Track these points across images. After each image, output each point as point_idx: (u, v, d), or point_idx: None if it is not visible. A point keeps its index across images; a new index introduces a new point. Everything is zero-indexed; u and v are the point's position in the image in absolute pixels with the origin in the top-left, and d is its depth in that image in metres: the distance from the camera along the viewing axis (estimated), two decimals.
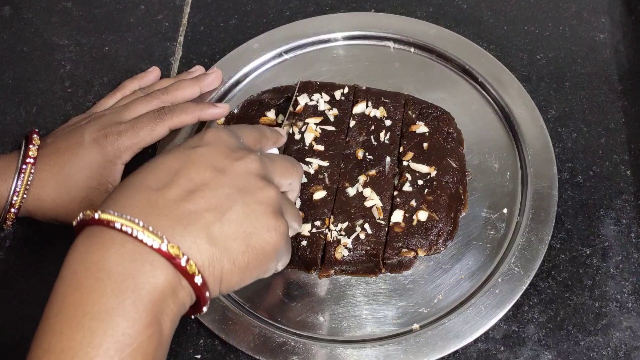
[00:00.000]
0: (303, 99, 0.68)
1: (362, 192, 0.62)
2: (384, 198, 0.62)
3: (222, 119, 0.69)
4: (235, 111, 0.69)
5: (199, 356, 0.58)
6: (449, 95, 0.69)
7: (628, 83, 0.71)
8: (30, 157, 0.60)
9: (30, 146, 0.61)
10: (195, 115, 0.65)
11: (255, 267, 0.46)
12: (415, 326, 0.57)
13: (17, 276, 0.62)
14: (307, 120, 0.66)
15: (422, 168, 0.63)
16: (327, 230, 0.60)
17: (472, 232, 0.62)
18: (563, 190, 0.64)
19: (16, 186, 0.59)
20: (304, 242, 0.60)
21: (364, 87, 0.69)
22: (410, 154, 0.64)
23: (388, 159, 0.64)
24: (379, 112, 0.66)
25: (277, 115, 0.67)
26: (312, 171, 0.63)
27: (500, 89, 0.69)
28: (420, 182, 0.62)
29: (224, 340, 0.57)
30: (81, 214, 0.43)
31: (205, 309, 0.45)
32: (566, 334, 0.58)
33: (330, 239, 0.60)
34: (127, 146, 0.62)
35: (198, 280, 0.42)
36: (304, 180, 0.63)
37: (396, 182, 0.63)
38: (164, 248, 0.41)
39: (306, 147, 0.65)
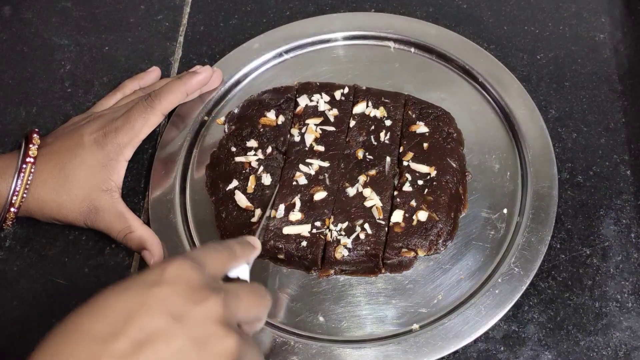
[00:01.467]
0: (303, 100, 0.68)
1: (362, 192, 0.62)
2: (384, 198, 0.62)
3: (222, 118, 0.69)
4: (235, 111, 0.69)
5: None
6: (449, 95, 0.69)
7: (628, 83, 0.71)
8: (30, 157, 0.60)
9: (30, 146, 0.61)
10: (183, 90, 0.65)
11: None
12: (415, 326, 0.57)
13: (17, 276, 0.62)
14: (307, 121, 0.66)
15: (422, 168, 0.63)
16: (327, 230, 0.60)
17: (472, 232, 0.62)
18: (563, 190, 0.64)
19: (16, 186, 0.59)
20: (304, 243, 0.60)
21: (364, 87, 0.69)
22: (410, 154, 0.64)
23: (388, 159, 0.64)
24: (379, 112, 0.67)
25: (277, 115, 0.67)
26: (312, 172, 0.63)
27: (500, 89, 0.68)
28: (420, 182, 0.62)
29: None
30: None
31: None
32: (566, 334, 0.58)
33: (330, 239, 0.60)
34: (127, 142, 0.62)
35: None
36: (304, 181, 0.63)
37: (396, 182, 0.63)
38: None
39: (306, 148, 0.65)
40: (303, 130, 0.66)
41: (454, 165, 0.63)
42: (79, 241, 0.64)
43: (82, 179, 0.60)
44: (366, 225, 0.60)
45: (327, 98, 0.68)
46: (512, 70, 0.70)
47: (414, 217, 0.60)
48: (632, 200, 0.64)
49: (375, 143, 0.65)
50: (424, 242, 0.60)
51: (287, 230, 0.60)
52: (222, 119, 0.69)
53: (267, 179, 0.63)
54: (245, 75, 0.72)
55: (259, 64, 0.73)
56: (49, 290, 0.62)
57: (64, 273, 0.62)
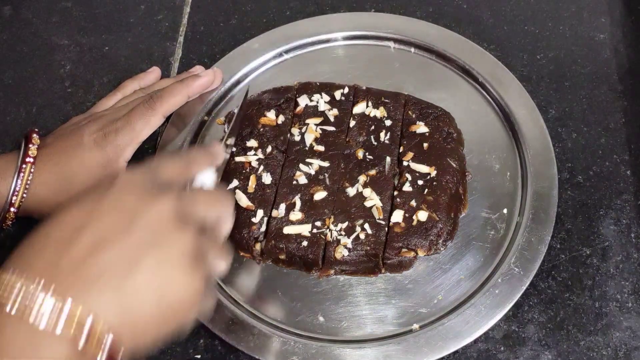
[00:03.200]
0: (303, 100, 0.68)
1: (362, 192, 0.62)
2: (384, 198, 0.62)
3: (222, 118, 0.69)
4: (235, 111, 0.69)
5: (199, 356, 0.58)
6: (449, 95, 0.69)
7: (628, 83, 0.71)
8: (30, 157, 0.60)
9: (30, 145, 0.61)
10: (184, 93, 0.65)
11: (172, 318, 0.43)
12: (415, 326, 0.57)
13: None
14: (307, 121, 0.66)
15: (422, 168, 0.63)
16: (327, 230, 0.60)
17: (472, 232, 0.62)
18: (563, 190, 0.64)
19: (16, 185, 0.59)
20: (305, 243, 0.60)
21: (364, 87, 0.69)
22: (410, 154, 0.64)
23: (388, 159, 0.64)
24: (379, 112, 0.67)
25: (277, 115, 0.67)
26: (312, 172, 0.63)
27: (500, 89, 0.68)
28: (420, 182, 0.62)
29: (224, 340, 0.57)
30: None
31: None
32: (566, 334, 0.58)
33: (330, 239, 0.60)
34: (126, 143, 0.62)
35: (107, 339, 0.40)
36: (304, 181, 0.63)
37: (396, 182, 0.63)
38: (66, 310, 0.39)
39: (306, 148, 0.65)
40: (303, 130, 0.66)
41: (454, 165, 0.63)
42: None
43: (81, 180, 0.60)
44: (366, 225, 0.60)
45: (327, 98, 0.68)
46: (512, 70, 0.70)
47: (414, 217, 0.60)
48: (632, 200, 0.64)
49: (375, 143, 0.65)
50: (424, 242, 0.60)
51: (288, 230, 0.60)
52: (222, 119, 0.69)
53: (267, 179, 0.63)
54: (245, 75, 0.72)
55: (259, 64, 0.73)
56: None
57: None
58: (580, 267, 0.61)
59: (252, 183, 0.63)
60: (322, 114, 0.67)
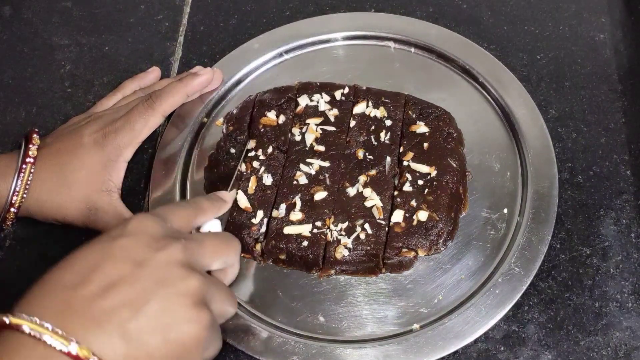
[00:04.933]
0: (303, 100, 0.68)
1: (362, 192, 0.62)
2: (384, 198, 0.62)
3: (221, 119, 0.69)
4: (235, 111, 0.69)
5: None
6: (449, 95, 0.69)
7: (628, 83, 0.71)
8: (30, 157, 0.60)
9: (30, 146, 0.61)
10: (183, 92, 0.65)
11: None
12: (416, 326, 0.57)
13: (17, 276, 0.62)
14: (307, 121, 0.66)
15: (423, 168, 0.63)
16: (327, 230, 0.60)
17: (472, 232, 0.62)
18: (563, 190, 0.64)
19: (16, 186, 0.59)
20: (305, 243, 0.60)
21: (364, 87, 0.69)
22: (410, 154, 0.64)
23: (388, 159, 0.64)
24: (379, 112, 0.67)
25: (277, 115, 0.67)
26: (313, 172, 0.63)
27: (500, 89, 0.69)
28: (420, 182, 0.62)
29: (224, 340, 0.57)
30: None
31: None
32: (566, 334, 0.58)
33: (331, 239, 0.60)
34: (126, 143, 0.62)
35: None
36: (305, 181, 0.63)
37: (396, 182, 0.63)
38: (73, 351, 0.40)
39: (307, 148, 0.65)
40: (303, 130, 0.66)
41: (454, 165, 0.63)
42: (79, 241, 0.63)
43: (81, 180, 0.60)
44: (366, 225, 0.60)
45: (327, 98, 0.68)
46: (512, 70, 0.70)
47: (414, 217, 0.60)
48: (632, 200, 0.64)
49: (376, 143, 0.65)
50: (424, 242, 0.60)
51: (288, 230, 0.60)
52: (221, 120, 0.69)
53: (268, 180, 0.63)
54: (245, 75, 0.72)
55: (259, 64, 0.73)
56: None
57: None
58: (580, 267, 0.61)
59: (252, 184, 0.63)
60: (323, 114, 0.67)
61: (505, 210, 0.63)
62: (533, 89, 0.70)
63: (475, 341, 0.57)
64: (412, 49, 0.73)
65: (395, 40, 0.73)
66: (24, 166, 0.59)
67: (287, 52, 0.73)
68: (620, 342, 0.57)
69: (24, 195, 0.59)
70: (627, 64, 0.72)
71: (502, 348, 0.57)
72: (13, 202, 0.59)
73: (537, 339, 0.58)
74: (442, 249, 0.61)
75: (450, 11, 0.76)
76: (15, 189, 0.59)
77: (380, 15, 0.75)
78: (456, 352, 0.57)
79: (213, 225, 0.55)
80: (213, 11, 0.78)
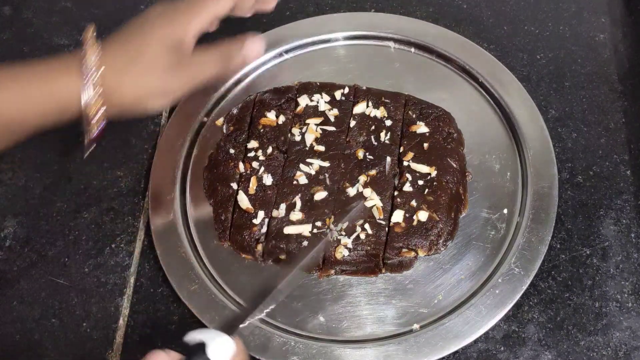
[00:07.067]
0: (303, 100, 0.68)
1: (362, 192, 0.62)
2: (384, 198, 0.62)
3: (221, 119, 0.69)
4: (235, 111, 0.69)
5: None
6: (449, 95, 0.69)
7: (628, 83, 0.71)
8: (94, 55, 0.59)
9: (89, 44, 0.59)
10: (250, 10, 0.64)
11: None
12: (416, 326, 0.57)
13: (17, 276, 0.62)
14: (307, 121, 0.66)
15: (423, 168, 0.63)
16: (327, 230, 0.60)
17: (472, 232, 0.62)
18: (563, 190, 0.64)
19: (89, 87, 0.57)
20: (305, 243, 0.60)
21: (364, 87, 0.69)
22: (410, 154, 0.64)
23: (388, 159, 0.64)
24: (380, 112, 0.67)
25: (277, 115, 0.67)
26: (313, 172, 0.63)
27: (500, 89, 0.69)
28: (420, 182, 0.62)
29: None
30: None
31: None
32: (566, 334, 0.58)
33: (331, 239, 0.60)
34: (192, 17, 0.59)
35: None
36: (305, 181, 0.63)
37: (396, 182, 0.63)
38: None
39: (307, 148, 0.65)
40: (303, 130, 0.66)
41: (454, 165, 0.63)
42: (79, 241, 0.64)
43: (152, 52, 0.58)
44: (366, 225, 0.60)
45: (327, 98, 0.68)
46: (512, 70, 0.70)
47: (415, 217, 0.60)
48: (632, 200, 0.64)
49: (376, 143, 0.65)
50: (424, 242, 0.60)
51: (288, 230, 0.60)
52: (221, 119, 0.69)
53: (268, 180, 0.63)
54: (245, 75, 0.72)
55: (259, 64, 0.73)
56: (49, 290, 0.62)
57: (64, 273, 0.62)
58: (580, 267, 0.61)
59: (252, 185, 0.63)
60: (323, 114, 0.67)
61: (505, 211, 0.63)
62: (533, 89, 0.70)
63: (475, 341, 0.57)
64: (412, 49, 0.73)
65: (395, 40, 0.73)
66: (90, 68, 0.58)
67: (287, 51, 0.73)
68: (620, 342, 0.57)
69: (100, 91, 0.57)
70: (627, 64, 0.72)
71: (502, 348, 0.57)
72: (92, 102, 0.56)
73: (537, 339, 0.58)
74: (442, 249, 0.61)
75: (450, 11, 0.76)
76: (89, 94, 0.56)
77: (380, 15, 0.75)
78: (456, 352, 0.57)
79: (225, 347, 0.49)
80: None
